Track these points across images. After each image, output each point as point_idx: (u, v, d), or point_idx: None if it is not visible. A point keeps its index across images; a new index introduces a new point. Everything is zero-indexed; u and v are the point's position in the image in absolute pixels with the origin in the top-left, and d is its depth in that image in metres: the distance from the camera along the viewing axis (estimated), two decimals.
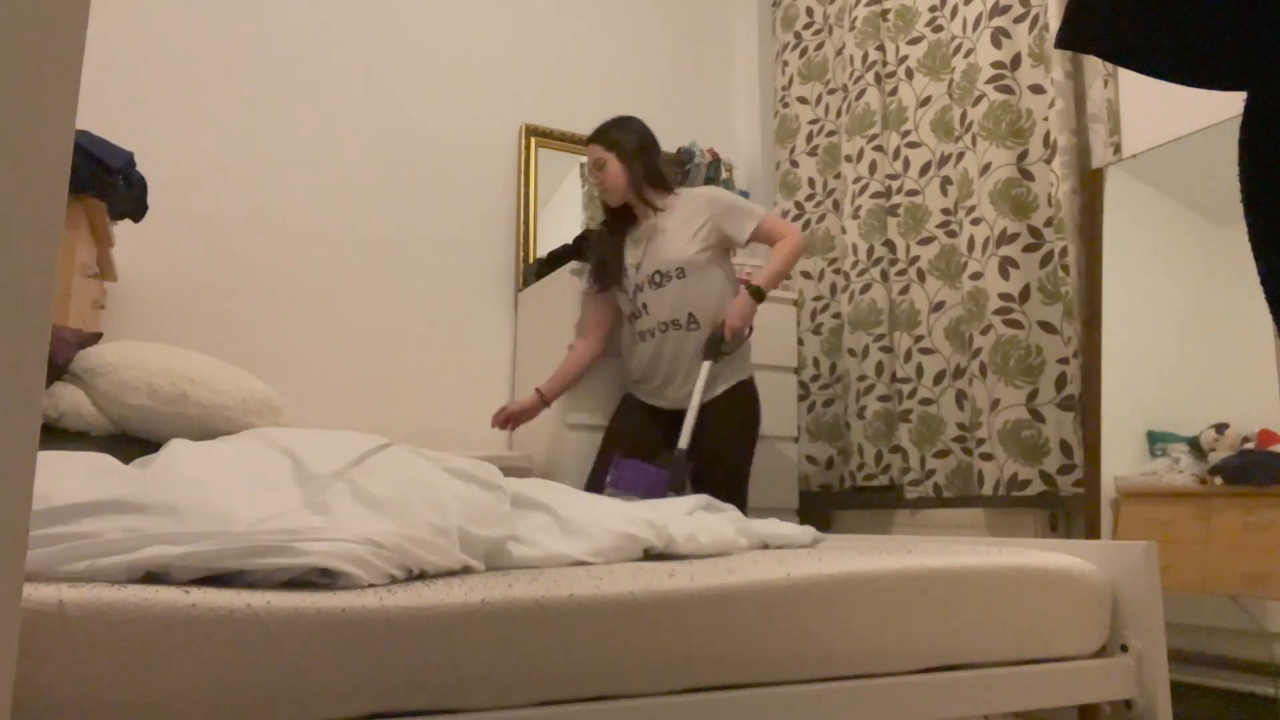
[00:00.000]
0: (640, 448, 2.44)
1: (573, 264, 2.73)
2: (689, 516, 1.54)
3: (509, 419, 2.57)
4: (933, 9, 2.76)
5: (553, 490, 1.51)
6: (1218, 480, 1.96)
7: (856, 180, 2.97)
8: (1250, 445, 1.94)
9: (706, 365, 2.38)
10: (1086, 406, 2.28)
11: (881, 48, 2.96)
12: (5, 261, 0.50)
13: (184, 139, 2.79)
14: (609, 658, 0.98)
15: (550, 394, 2.57)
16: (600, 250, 2.60)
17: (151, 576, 0.89)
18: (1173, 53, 0.72)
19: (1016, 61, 2.46)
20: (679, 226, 2.47)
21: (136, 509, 0.97)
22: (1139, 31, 0.71)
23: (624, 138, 2.53)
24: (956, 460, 2.58)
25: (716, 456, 2.40)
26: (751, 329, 2.44)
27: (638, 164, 2.51)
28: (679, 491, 2.25)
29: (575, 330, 2.65)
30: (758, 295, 2.36)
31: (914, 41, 2.80)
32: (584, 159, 3.34)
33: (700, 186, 2.57)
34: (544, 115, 3.34)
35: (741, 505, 2.35)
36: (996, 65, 2.47)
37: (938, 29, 2.75)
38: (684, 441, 2.34)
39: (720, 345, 2.39)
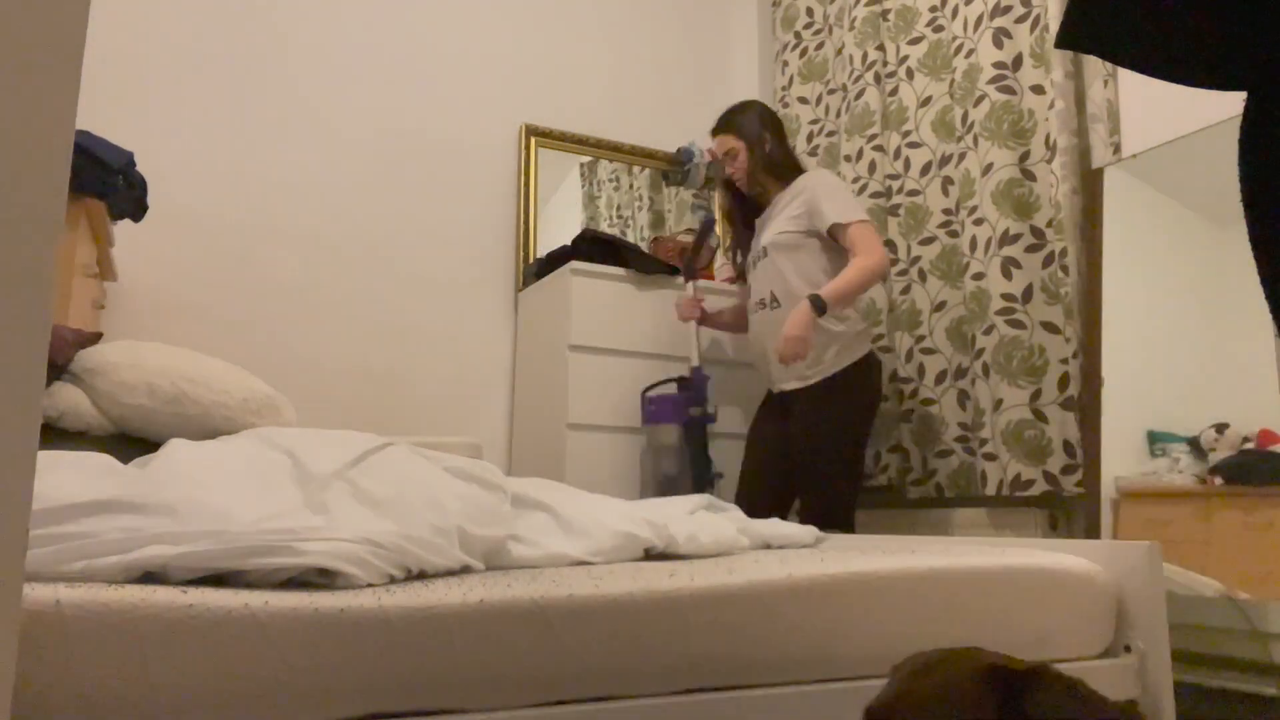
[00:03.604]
0: (767, 445, 2.46)
1: (573, 264, 2.73)
2: (690, 516, 1.54)
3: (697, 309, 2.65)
4: (933, 9, 2.76)
5: (553, 490, 1.51)
6: (1218, 480, 1.96)
7: (856, 180, 2.97)
8: (1250, 445, 1.93)
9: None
10: (1086, 406, 2.28)
11: (882, 48, 2.96)
12: (5, 261, 0.50)
13: (184, 139, 2.79)
14: (609, 658, 0.98)
15: (715, 312, 2.71)
16: (735, 235, 2.73)
17: (149, 576, 0.89)
18: (1173, 53, 0.72)
19: (1018, 62, 2.46)
20: (782, 207, 2.50)
21: (135, 509, 0.97)
22: (1139, 31, 0.71)
23: (748, 125, 2.57)
24: (959, 460, 2.58)
25: (802, 454, 2.35)
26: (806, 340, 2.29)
27: (759, 151, 2.55)
28: (699, 408, 2.51)
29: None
30: (816, 304, 2.25)
31: (914, 41, 2.80)
32: (584, 158, 3.35)
33: (819, 170, 2.60)
34: (544, 115, 3.34)
35: (841, 518, 2.28)
36: (998, 65, 2.47)
37: (938, 29, 2.75)
38: (694, 358, 2.60)
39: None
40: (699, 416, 2.54)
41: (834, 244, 2.42)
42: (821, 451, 2.33)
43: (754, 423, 2.57)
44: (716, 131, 2.62)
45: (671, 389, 2.62)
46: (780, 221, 2.47)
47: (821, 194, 2.41)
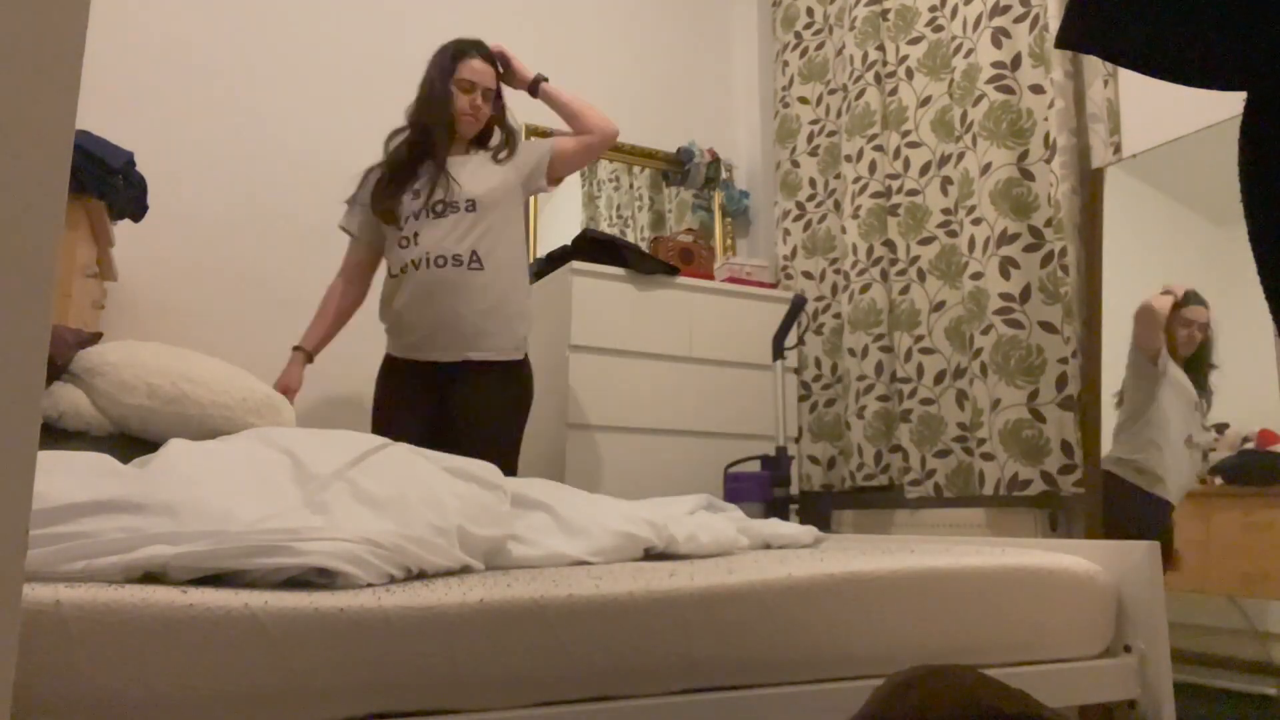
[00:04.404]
0: (416, 423, 2.22)
1: (573, 264, 2.73)
2: (690, 516, 1.54)
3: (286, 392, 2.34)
4: (933, 9, 2.76)
5: (553, 490, 1.51)
6: (1218, 480, 1.96)
7: (857, 180, 2.97)
8: (1250, 445, 1.93)
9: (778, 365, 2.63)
10: (1086, 406, 2.28)
11: (881, 48, 2.96)
12: (5, 261, 0.50)
13: (184, 139, 2.79)
14: (608, 658, 0.98)
15: (313, 347, 2.40)
16: (389, 175, 2.34)
17: (149, 576, 0.89)
18: (1173, 53, 0.72)
19: (1017, 61, 2.46)
20: (496, 161, 2.35)
21: (135, 509, 0.97)
22: (1139, 31, 0.71)
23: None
24: (957, 460, 2.58)
25: (486, 430, 2.22)
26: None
27: (501, 104, 2.45)
28: (783, 488, 2.53)
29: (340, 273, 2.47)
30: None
31: (914, 41, 2.80)
32: None
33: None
34: (544, 115, 3.33)
35: None
36: (997, 65, 2.47)
37: (938, 29, 2.75)
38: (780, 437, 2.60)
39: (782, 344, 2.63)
40: (783, 498, 2.53)
41: (523, 212, 2.38)
42: (495, 433, 2.22)
43: (397, 398, 2.29)
44: (487, 59, 2.40)
45: (755, 467, 2.63)
46: (494, 175, 2.29)
47: (527, 145, 2.40)
